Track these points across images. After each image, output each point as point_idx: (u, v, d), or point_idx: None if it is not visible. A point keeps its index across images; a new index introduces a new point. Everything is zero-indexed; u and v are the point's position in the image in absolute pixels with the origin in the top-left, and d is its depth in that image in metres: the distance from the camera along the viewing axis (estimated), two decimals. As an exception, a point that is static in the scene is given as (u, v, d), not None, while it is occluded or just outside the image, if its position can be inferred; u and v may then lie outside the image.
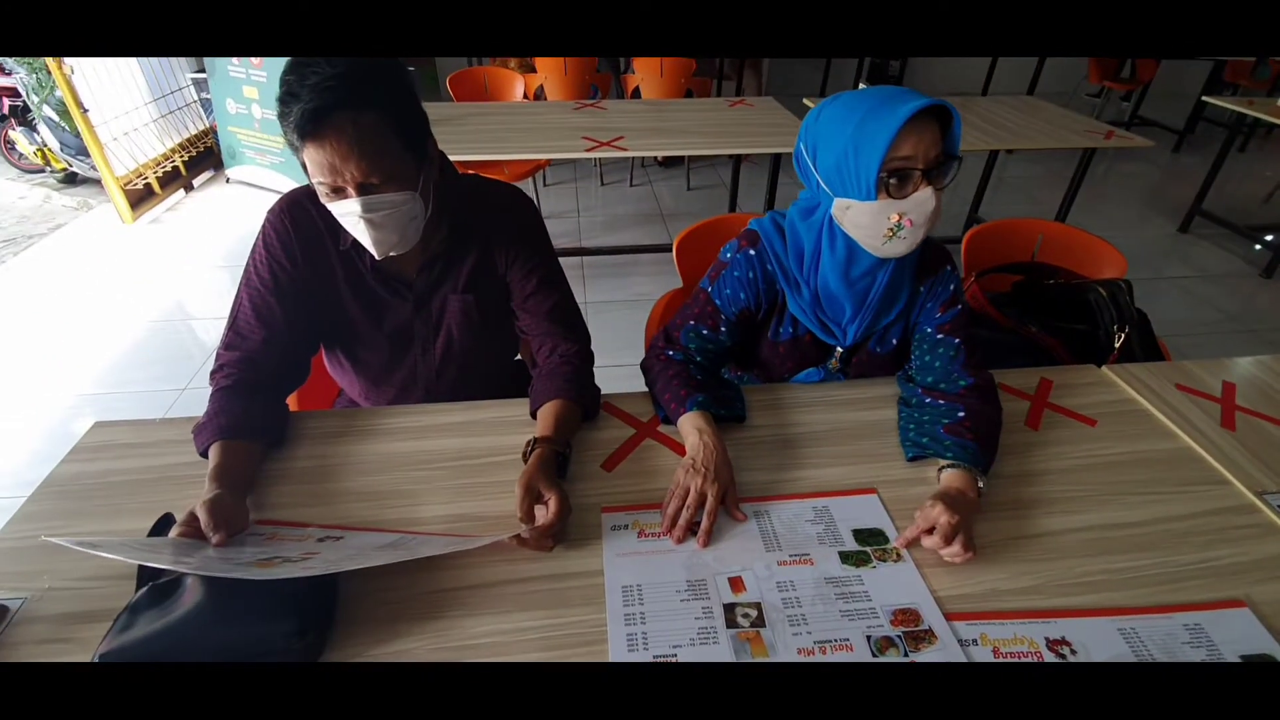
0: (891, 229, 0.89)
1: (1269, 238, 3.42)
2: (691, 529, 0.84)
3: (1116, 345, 1.31)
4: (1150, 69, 4.99)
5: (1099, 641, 0.72)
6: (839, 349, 1.09)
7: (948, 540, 0.79)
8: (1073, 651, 0.71)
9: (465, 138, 2.57)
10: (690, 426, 0.96)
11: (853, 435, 1.03)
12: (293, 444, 0.98)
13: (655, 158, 4.47)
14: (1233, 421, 1.06)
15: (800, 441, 1.02)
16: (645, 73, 3.89)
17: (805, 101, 2.88)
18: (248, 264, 0.99)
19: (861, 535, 0.85)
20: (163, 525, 0.80)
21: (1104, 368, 1.20)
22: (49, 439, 2.14)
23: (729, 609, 0.75)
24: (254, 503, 0.87)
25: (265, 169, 3.85)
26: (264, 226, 0.99)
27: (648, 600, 0.76)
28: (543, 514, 0.82)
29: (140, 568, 0.73)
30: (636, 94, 4.00)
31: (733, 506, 0.88)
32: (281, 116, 0.80)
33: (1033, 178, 4.49)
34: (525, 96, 3.56)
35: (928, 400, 1.02)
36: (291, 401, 1.07)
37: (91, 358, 2.53)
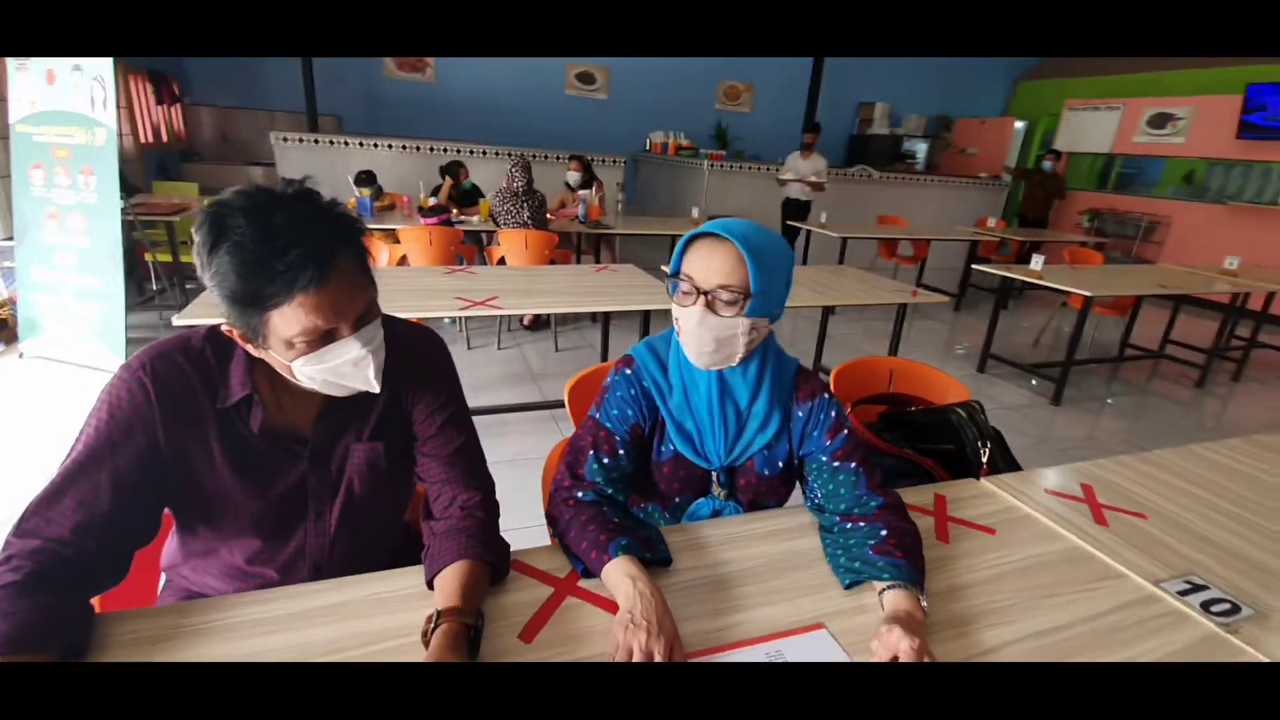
0: (688, 337, 0.98)
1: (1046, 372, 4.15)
2: (638, 699, 0.71)
3: (984, 460, 1.42)
4: (924, 248, 6.17)
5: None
6: (714, 471, 1.07)
7: (914, 668, 0.74)
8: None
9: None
10: (620, 575, 0.85)
11: (784, 567, 0.98)
12: (95, 656, 0.73)
13: (521, 321, 4.56)
14: (1104, 518, 1.16)
15: (732, 581, 0.94)
16: (509, 244, 4.08)
17: (663, 268, 3.14)
18: (82, 431, 0.80)
19: (821, 678, 0.77)
20: None
21: (982, 480, 1.29)
22: None
23: (700, 796, 0.62)
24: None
25: (72, 341, 3.36)
26: (113, 387, 0.81)
27: (600, 803, 0.61)
28: (457, 706, 0.65)
29: None
30: (502, 263, 4.15)
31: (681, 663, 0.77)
32: (261, 279, 0.71)
33: (855, 333, 5.15)
34: (389, 264, 3.55)
35: (848, 525, 1.01)
36: (96, 603, 0.81)
37: None
